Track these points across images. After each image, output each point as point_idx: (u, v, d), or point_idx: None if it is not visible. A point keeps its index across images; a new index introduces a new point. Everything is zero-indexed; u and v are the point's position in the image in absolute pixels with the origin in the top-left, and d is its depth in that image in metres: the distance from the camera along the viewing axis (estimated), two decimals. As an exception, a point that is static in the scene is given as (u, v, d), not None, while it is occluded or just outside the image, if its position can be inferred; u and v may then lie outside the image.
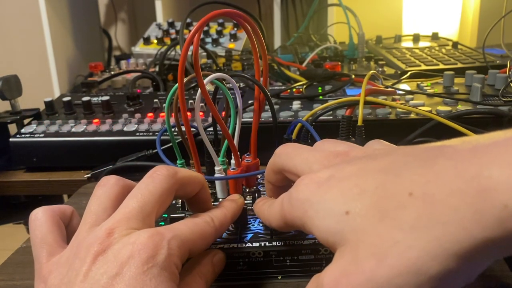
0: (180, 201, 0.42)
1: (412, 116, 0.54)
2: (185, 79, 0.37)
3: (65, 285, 0.26)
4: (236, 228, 0.37)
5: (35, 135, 0.63)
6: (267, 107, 0.56)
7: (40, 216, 0.31)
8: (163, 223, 0.39)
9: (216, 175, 0.42)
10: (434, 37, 1.02)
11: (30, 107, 0.70)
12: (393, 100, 0.59)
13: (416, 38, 1.02)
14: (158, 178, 0.30)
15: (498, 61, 0.82)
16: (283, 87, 0.68)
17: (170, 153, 0.45)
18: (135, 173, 0.31)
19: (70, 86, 1.53)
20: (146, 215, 0.28)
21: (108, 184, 0.31)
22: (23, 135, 0.63)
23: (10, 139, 0.63)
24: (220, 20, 1.22)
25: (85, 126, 0.64)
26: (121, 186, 0.31)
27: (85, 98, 0.69)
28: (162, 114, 0.67)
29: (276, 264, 0.35)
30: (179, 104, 0.38)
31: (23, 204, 0.81)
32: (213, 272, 0.32)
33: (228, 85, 0.45)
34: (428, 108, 0.54)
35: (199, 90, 0.37)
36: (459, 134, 0.47)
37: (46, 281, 0.28)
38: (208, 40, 1.15)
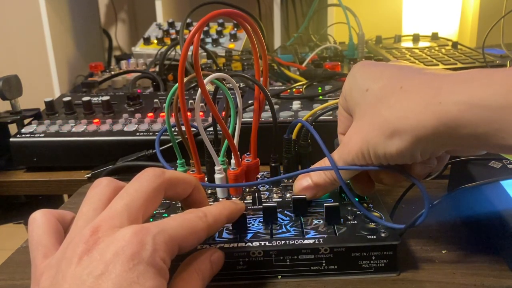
0: (180, 201, 0.42)
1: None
2: (185, 79, 0.37)
3: (54, 286, 0.26)
4: (236, 233, 0.37)
5: (35, 135, 0.63)
6: (267, 107, 0.56)
7: (38, 218, 0.31)
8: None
9: (216, 175, 0.42)
10: (434, 37, 1.02)
11: (31, 107, 0.70)
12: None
13: (416, 38, 1.02)
14: (144, 178, 0.30)
15: (497, 61, 0.82)
16: (283, 87, 0.68)
17: (170, 153, 0.46)
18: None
19: (70, 86, 1.53)
20: (132, 213, 0.28)
21: (100, 186, 0.31)
22: (23, 135, 0.63)
23: (10, 139, 0.63)
24: (220, 20, 1.22)
25: (85, 126, 0.64)
26: (112, 187, 0.31)
27: (85, 98, 0.69)
28: (162, 114, 0.67)
29: (276, 263, 0.35)
30: (179, 104, 0.38)
31: (23, 204, 0.81)
32: (211, 270, 0.32)
33: (228, 85, 0.45)
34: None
35: (199, 90, 0.37)
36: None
37: (39, 283, 0.28)
38: (208, 40, 1.15)
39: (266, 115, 0.55)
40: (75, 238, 0.27)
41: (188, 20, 0.97)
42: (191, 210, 0.32)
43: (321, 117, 0.50)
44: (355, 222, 0.37)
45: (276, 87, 0.69)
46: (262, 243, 0.35)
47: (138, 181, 0.30)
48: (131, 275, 0.25)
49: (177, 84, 0.37)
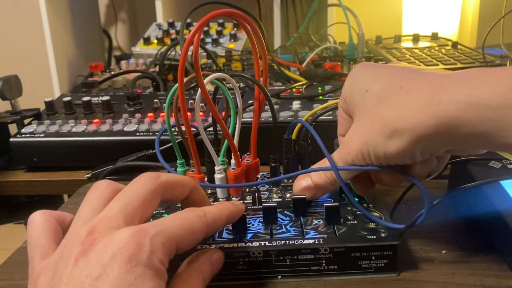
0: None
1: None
2: (185, 79, 0.37)
3: None
4: (235, 234, 0.37)
5: (36, 135, 0.63)
6: (267, 107, 0.56)
7: (37, 219, 0.31)
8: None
9: (216, 175, 0.42)
10: (434, 37, 1.02)
11: (30, 107, 0.70)
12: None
13: (415, 38, 1.02)
14: (142, 181, 0.31)
15: (497, 61, 0.82)
16: (283, 87, 0.68)
17: (170, 153, 0.45)
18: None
19: (70, 86, 1.53)
20: (128, 215, 0.28)
21: (100, 188, 0.32)
22: (23, 135, 0.63)
23: (10, 139, 0.63)
24: (220, 20, 1.22)
25: (85, 126, 0.64)
26: (112, 189, 0.31)
27: (85, 98, 0.69)
28: (162, 114, 0.67)
29: (276, 263, 0.35)
30: (179, 104, 0.38)
31: (23, 204, 0.81)
32: (211, 270, 0.32)
33: (228, 85, 0.45)
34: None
35: (199, 90, 0.37)
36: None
37: (36, 284, 0.28)
38: (208, 40, 1.15)
39: (266, 115, 0.55)
40: (72, 239, 0.27)
41: (188, 20, 0.97)
42: (191, 208, 0.32)
43: (321, 117, 0.50)
44: (355, 222, 0.37)
45: (276, 87, 0.69)
46: (262, 243, 0.35)
47: (135, 184, 0.31)
48: (129, 277, 0.25)
49: (177, 84, 0.37)
